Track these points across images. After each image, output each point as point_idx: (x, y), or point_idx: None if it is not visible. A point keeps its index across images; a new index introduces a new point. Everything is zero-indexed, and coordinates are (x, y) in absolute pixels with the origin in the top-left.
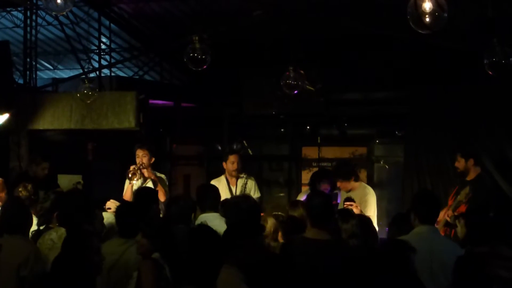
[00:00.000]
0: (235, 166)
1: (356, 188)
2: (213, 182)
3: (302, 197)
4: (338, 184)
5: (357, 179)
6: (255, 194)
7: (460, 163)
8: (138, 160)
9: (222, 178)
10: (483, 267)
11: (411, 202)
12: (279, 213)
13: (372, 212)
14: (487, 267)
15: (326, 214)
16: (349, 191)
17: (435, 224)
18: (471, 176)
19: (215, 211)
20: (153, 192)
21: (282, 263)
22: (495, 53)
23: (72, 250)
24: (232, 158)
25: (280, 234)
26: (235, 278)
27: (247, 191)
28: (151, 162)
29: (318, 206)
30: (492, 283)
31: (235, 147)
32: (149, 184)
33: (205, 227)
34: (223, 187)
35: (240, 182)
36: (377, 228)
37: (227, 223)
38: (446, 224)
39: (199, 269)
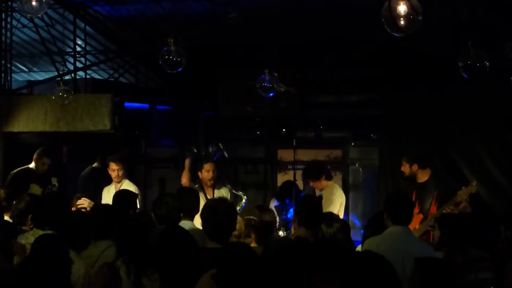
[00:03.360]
0: (210, 174)
1: (328, 187)
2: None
3: (275, 201)
4: (311, 183)
5: (329, 178)
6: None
7: (405, 168)
8: (113, 174)
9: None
10: (456, 275)
11: (384, 202)
12: (251, 217)
13: (335, 211)
14: (460, 274)
15: (314, 214)
16: (321, 190)
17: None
18: (423, 178)
19: (191, 218)
20: (132, 196)
21: (262, 265)
22: (469, 56)
23: (41, 254)
24: (207, 166)
25: (253, 237)
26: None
27: None
28: (126, 170)
29: (307, 206)
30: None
31: (210, 149)
32: (125, 186)
33: (178, 228)
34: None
35: (218, 193)
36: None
37: (203, 226)
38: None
39: (173, 270)
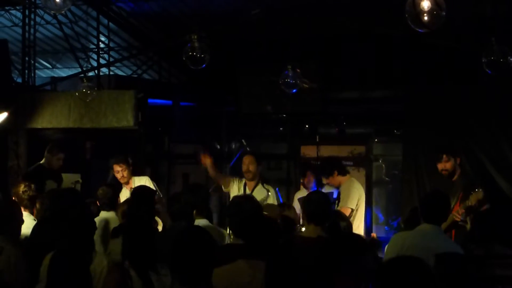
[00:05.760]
0: (245, 167)
1: (344, 183)
2: (233, 180)
3: (299, 196)
4: (326, 181)
5: (342, 173)
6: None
7: (449, 163)
8: (118, 176)
9: (237, 180)
10: (479, 270)
11: (420, 200)
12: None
13: (353, 205)
14: (484, 268)
15: (321, 211)
16: (338, 186)
17: None
18: (454, 177)
19: (203, 216)
20: (149, 191)
21: (278, 262)
22: (493, 52)
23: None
24: (243, 159)
25: None
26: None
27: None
28: (131, 169)
29: (314, 203)
30: (493, 284)
31: (233, 146)
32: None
33: (195, 227)
34: (237, 190)
35: (257, 192)
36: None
37: (228, 222)
38: (448, 228)
39: (190, 269)
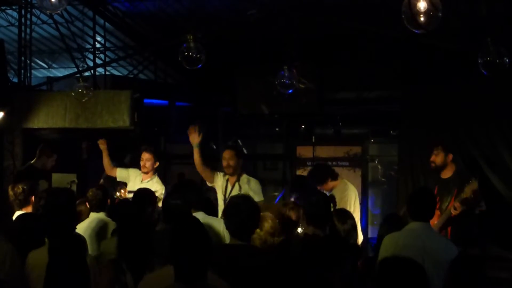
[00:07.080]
0: (225, 163)
1: (337, 186)
2: (217, 174)
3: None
4: (319, 187)
5: (334, 178)
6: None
7: (438, 157)
8: (142, 163)
9: (221, 175)
10: (477, 270)
11: (408, 197)
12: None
13: (350, 206)
14: (481, 269)
15: (322, 213)
16: (331, 190)
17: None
18: (447, 174)
19: (199, 209)
20: (150, 194)
21: (277, 263)
22: (489, 53)
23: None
24: (223, 154)
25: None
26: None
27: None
28: (155, 166)
29: (315, 205)
30: (487, 285)
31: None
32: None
33: (189, 224)
34: (220, 184)
35: (237, 186)
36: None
37: (225, 223)
38: (444, 225)
39: (185, 266)
